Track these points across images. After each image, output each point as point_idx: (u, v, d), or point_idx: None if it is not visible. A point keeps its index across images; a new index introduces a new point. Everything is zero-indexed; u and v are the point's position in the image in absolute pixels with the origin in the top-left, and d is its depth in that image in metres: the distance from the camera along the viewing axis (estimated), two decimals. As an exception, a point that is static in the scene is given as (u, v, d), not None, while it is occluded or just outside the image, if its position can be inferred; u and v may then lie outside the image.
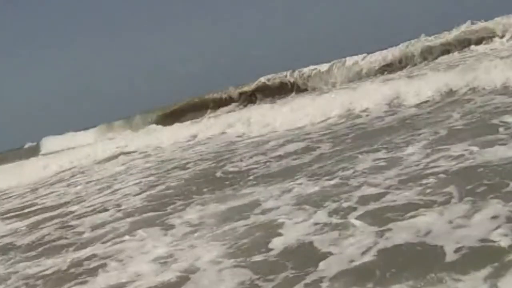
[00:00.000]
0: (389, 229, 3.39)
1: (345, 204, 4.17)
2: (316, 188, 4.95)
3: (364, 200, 4.18)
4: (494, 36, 16.16)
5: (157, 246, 4.43)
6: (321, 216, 4.05)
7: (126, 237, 4.96)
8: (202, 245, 4.16)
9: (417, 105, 8.27)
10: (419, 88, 8.67)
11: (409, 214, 3.58)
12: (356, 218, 3.77)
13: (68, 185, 10.53)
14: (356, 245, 3.29)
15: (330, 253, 3.30)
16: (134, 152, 13.63)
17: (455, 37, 17.04)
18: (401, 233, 3.30)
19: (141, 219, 5.61)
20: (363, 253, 3.17)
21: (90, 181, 10.10)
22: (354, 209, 4.01)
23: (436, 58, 17.03)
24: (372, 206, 3.97)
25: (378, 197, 4.15)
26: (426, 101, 8.32)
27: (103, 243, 4.99)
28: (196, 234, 4.50)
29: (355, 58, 19.21)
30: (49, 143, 28.57)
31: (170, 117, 22.94)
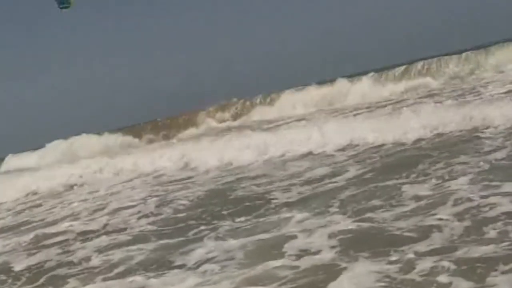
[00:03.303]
0: (488, 286, 2.83)
1: (409, 252, 3.55)
2: (354, 227, 4.39)
3: (427, 246, 3.60)
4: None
5: None
6: (386, 265, 3.42)
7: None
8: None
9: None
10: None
11: (499, 267, 3.03)
12: (435, 270, 3.17)
13: None
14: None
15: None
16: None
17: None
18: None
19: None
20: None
21: None
22: (421, 257, 3.41)
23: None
24: (444, 255, 3.38)
25: (443, 243, 3.59)
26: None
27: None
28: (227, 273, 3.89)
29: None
30: (12, 161, 26.09)
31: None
